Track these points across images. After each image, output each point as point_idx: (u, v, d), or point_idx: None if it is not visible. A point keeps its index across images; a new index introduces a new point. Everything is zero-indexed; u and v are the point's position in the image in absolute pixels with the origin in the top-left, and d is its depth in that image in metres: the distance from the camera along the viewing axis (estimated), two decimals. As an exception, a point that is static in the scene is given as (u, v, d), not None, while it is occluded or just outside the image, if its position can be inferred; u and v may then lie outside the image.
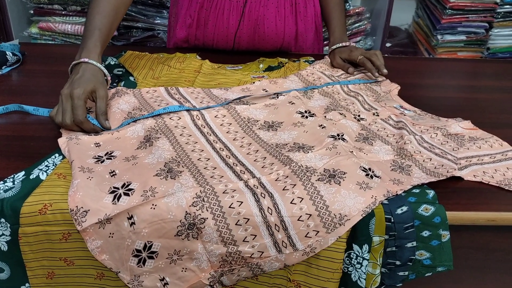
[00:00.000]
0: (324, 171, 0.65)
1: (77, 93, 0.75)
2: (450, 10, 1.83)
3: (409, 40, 2.07)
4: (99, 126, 0.76)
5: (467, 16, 1.86)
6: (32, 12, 1.70)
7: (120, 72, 0.98)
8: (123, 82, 0.93)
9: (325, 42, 1.73)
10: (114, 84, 0.93)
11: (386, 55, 1.90)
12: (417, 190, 0.66)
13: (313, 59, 1.12)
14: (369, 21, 1.88)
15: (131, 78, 0.95)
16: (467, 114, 0.89)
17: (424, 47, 1.99)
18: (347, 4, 1.80)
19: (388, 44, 1.92)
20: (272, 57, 1.12)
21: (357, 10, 1.81)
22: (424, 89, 1.05)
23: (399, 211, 0.62)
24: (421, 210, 0.63)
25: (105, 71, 0.83)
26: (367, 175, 0.66)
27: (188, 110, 0.80)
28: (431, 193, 0.66)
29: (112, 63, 1.01)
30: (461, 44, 1.93)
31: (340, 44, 1.07)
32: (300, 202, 0.61)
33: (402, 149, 0.75)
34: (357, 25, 1.83)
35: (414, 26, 2.13)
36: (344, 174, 0.65)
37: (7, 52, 0.99)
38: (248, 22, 1.09)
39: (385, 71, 1.00)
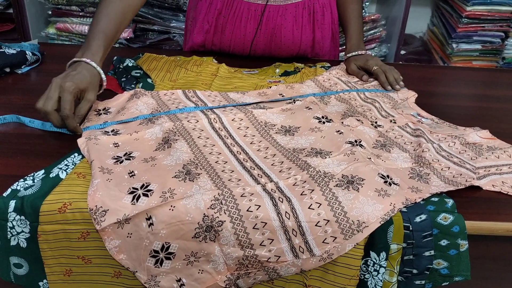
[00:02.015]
0: (342, 177, 0.65)
1: (68, 86, 0.74)
2: (466, 19, 1.82)
3: (423, 48, 2.07)
4: (62, 131, 0.74)
5: (483, 25, 1.85)
6: (50, 12, 1.73)
7: (138, 74, 0.99)
8: (141, 84, 0.94)
9: (340, 48, 1.74)
10: (132, 85, 0.94)
11: (400, 62, 1.90)
12: (436, 199, 0.66)
13: (329, 65, 1.12)
14: (384, 28, 1.88)
15: (149, 80, 0.96)
16: (483, 123, 0.88)
17: (438, 55, 1.98)
18: (363, 11, 1.80)
19: (402, 52, 1.92)
20: (288, 62, 1.12)
21: (372, 17, 1.81)
22: (440, 97, 1.04)
23: (417, 219, 0.62)
24: (440, 219, 0.63)
25: (103, 75, 0.83)
26: (385, 182, 0.66)
27: (205, 114, 0.80)
28: (450, 202, 0.65)
29: (130, 64, 1.02)
30: (476, 53, 1.91)
31: (356, 52, 1.07)
32: (318, 207, 0.61)
33: (420, 157, 0.75)
34: (372, 32, 1.83)
35: (429, 34, 2.12)
36: (362, 180, 0.65)
37: (27, 52, 1.00)
38: (266, 30, 1.10)
39: (397, 87, 0.99)
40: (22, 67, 1.00)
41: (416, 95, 1.00)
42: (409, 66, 1.54)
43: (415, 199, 0.65)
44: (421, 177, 0.70)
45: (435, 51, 2.02)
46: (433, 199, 0.66)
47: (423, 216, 0.62)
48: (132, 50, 1.42)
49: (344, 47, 1.14)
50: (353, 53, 1.08)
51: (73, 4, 1.68)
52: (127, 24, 0.95)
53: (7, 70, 0.97)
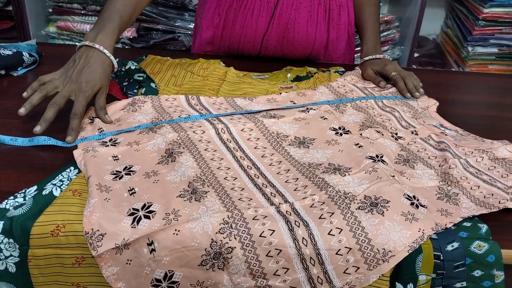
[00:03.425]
0: (364, 198, 0.59)
1: (85, 89, 0.73)
2: (482, 21, 1.75)
3: (437, 51, 2.00)
4: (59, 144, 0.70)
5: (500, 28, 1.78)
6: (50, 10, 1.67)
7: (141, 78, 0.93)
8: (144, 89, 0.88)
9: (355, 49, 1.67)
10: (135, 90, 0.88)
11: (413, 66, 1.84)
12: (468, 224, 0.59)
13: (343, 69, 1.06)
14: (398, 29, 1.81)
15: (152, 85, 0.90)
16: (505, 135, 0.81)
17: (453, 58, 1.92)
18: (377, 12, 1.74)
19: (416, 54, 1.85)
20: (299, 65, 1.06)
21: (385, 18, 1.74)
22: (461, 106, 0.97)
23: (449, 247, 0.56)
24: (474, 247, 0.56)
25: (114, 62, 0.80)
26: (412, 204, 0.60)
27: (212, 123, 0.74)
28: (484, 227, 0.59)
29: (133, 67, 0.96)
30: (492, 57, 1.84)
31: (374, 56, 1.01)
32: (339, 233, 0.55)
33: (446, 174, 0.69)
34: (385, 33, 1.76)
35: (443, 36, 2.05)
36: (387, 202, 0.58)
37: (24, 53, 0.94)
38: (278, 25, 1.03)
39: (417, 94, 0.93)
40: (19, 69, 0.94)
41: (438, 104, 0.93)
42: (422, 71, 1.47)
43: (445, 224, 0.58)
44: (449, 197, 0.64)
45: (449, 54, 1.95)
46: (465, 224, 0.59)
47: (456, 244, 0.56)
48: (135, 51, 1.37)
49: (359, 49, 1.08)
50: (370, 57, 1.01)
51: (75, 2, 1.62)
52: (141, 11, 0.91)
53: (3, 72, 0.92)
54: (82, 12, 1.63)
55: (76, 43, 0.85)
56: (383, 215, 0.57)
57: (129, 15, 0.84)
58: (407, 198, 0.60)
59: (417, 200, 0.61)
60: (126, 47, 1.61)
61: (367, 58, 1.02)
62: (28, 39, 1.60)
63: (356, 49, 1.25)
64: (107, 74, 0.78)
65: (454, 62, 1.92)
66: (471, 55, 1.82)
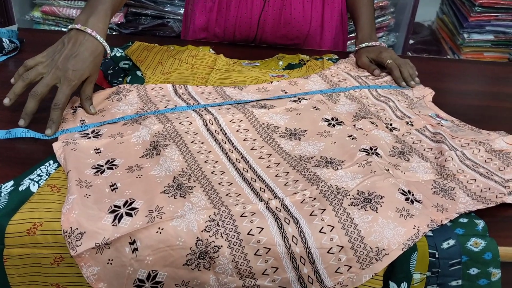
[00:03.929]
0: (358, 194, 0.57)
1: (71, 78, 0.68)
2: (479, 8, 1.72)
3: (432, 38, 1.97)
4: (38, 136, 0.66)
5: (497, 14, 1.74)
6: (35, -6, 1.61)
7: (127, 66, 0.89)
8: (129, 78, 0.84)
9: (349, 37, 1.63)
10: (120, 79, 0.84)
11: (409, 53, 1.81)
12: (465, 220, 0.57)
13: (337, 57, 1.03)
14: (393, 16, 1.77)
15: (138, 73, 0.86)
16: (502, 126, 0.79)
17: (448, 45, 1.89)
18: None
19: (411, 41, 1.82)
20: (292, 53, 1.03)
21: (380, 4, 1.70)
22: (457, 95, 0.95)
23: (445, 245, 0.54)
24: (470, 245, 0.54)
25: (108, 48, 0.74)
26: (407, 199, 0.57)
27: (199, 114, 0.71)
28: (480, 223, 0.57)
29: (118, 54, 0.92)
30: (488, 44, 1.82)
31: (369, 43, 0.98)
32: (331, 231, 0.52)
33: (442, 167, 0.66)
34: (380, 19, 1.72)
35: (438, 23, 2.02)
36: (381, 198, 0.56)
37: (3, 39, 0.90)
38: (274, 2, 1.01)
39: (412, 83, 0.90)
40: (-2, 56, 0.90)
41: (433, 93, 0.91)
42: (417, 59, 1.44)
43: (441, 220, 0.56)
44: (445, 192, 0.62)
45: (444, 41, 1.92)
46: (461, 220, 0.57)
47: (451, 242, 0.54)
48: (121, 38, 1.32)
49: (354, 35, 1.05)
50: (366, 44, 0.98)
51: (61, -15, 1.57)
52: None
53: (-19, 59, 0.88)
54: (68, -4, 1.58)
55: (63, 29, 0.80)
56: (376, 212, 0.54)
57: None
58: (401, 193, 0.58)
59: (412, 195, 0.58)
60: (114, 33, 1.56)
61: (362, 45, 0.99)
62: (12, 23, 1.54)
63: (350, 35, 1.22)
64: (97, 62, 0.73)
65: (450, 49, 1.89)
66: (467, 42, 1.79)
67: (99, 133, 0.67)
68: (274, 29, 1.05)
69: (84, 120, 0.70)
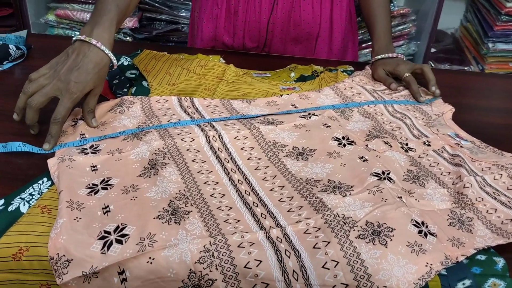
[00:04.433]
0: (366, 225, 0.52)
1: (73, 90, 0.65)
2: (505, 16, 1.65)
3: (455, 46, 1.89)
4: (35, 150, 0.64)
5: (524, 23, 1.67)
6: (50, -3, 1.61)
7: (133, 76, 0.86)
8: (134, 88, 0.82)
9: (364, 45, 1.59)
10: (125, 89, 0.82)
11: (430, 62, 1.74)
12: (483, 257, 0.52)
13: (352, 68, 0.98)
14: (414, 23, 1.71)
15: (144, 83, 0.84)
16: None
17: (472, 54, 1.81)
18: (392, 4, 1.64)
19: (432, 50, 1.75)
20: (305, 63, 0.99)
21: (401, 11, 1.64)
22: (479, 112, 0.89)
23: (460, 285, 0.49)
24: (488, 286, 0.49)
25: (114, 60, 0.71)
26: (420, 232, 0.53)
27: (203, 130, 0.68)
28: (500, 262, 0.52)
29: (126, 63, 0.90)
30: (514, 54, 1.74)
31: (386, 55, 0.93)
32: (335, 267, 0.48)
33: (460, 194, 0.62)
34: (400, 27, 1.67)
35: (462, 31, 1.94)
36: (391, 231, 0.52)
37: (10, 46, 0.89)
38: (283, 5, 0.99)
39: (433, 88, 0.86)
40: (4, 63, 0.89)
41: (453, 110, 0.86)
42: (437, 71, 1.38)
43: (456, 257, 0.51)
44: (463, 223, 0.57)
45: (467, 50, 1.85)
46: (478, 256, 0.52)
47: (467, 282, 0.49)
48: (130, 45, 1.30)
49: (369, 44, 1.01)
50: (382, 56, 0.93)
51: (75, -11, 1.56)
52: (138, 1, 0.83)
53: (-14, 66, 0.86)
54: (82, 0, 1.56)
55: (76, 32, 0.77)
56: (386, 246, 0.50)
57: (126, 3, 0.75)
58: (414, 224, 0.53)
59: (426, 227, 0.54)
60: (128, 37, 1.55)
61: (378, 57, 0.94)
62: (27, 27, 1.54)
63: (364, 45, 1.17)
64: (101, 74, 0.69)
65: (473, 58, 1.82)
66: (492, 52, 1.72)
67: (97, 149, 0.64)
68: (283, 32, 1.02)
69: (84, 134, 0.68)
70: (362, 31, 1.56)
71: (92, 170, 0.60)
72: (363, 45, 1.63)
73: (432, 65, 1.76)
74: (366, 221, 0.53)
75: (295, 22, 1.01)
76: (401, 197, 0.58)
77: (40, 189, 0.56)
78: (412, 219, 0.54)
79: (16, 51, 0.90)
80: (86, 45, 0.69)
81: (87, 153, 0.63)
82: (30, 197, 0.55)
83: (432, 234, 0.53)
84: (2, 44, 0.88)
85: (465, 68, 1.78)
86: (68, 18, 1.56)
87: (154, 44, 1.09)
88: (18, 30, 1.13)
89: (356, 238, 0.51)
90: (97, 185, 0.57)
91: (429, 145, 0.73)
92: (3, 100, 0.79)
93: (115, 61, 0.71)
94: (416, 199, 0.60)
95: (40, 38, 1.11)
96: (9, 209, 0.53)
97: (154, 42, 1.61)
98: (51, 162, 0.60)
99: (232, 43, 1.05)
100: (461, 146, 0.74)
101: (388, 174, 0.62)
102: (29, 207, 0.53)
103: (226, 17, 1.02)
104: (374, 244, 0.50)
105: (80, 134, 0.68)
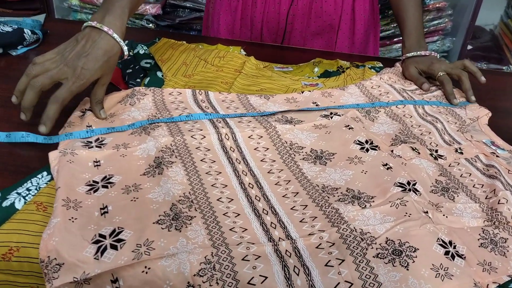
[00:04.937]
0: (386, 243, 0.47)
1: (80, 76, 0.62)
2: (551, 13, 1.53)
3: (493, 44, 1.78)
4: (39, 140, 0.61)
5: None
6: (75, -19, 1.59)
7: (148, 65, 0.83)
8: (148, 79, 0.78)
9: (395, 40, 1.51)
10: (138, 80, 0.78)
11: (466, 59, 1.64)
12: (518, 286, 0.46)
13: (381, 65, 0.92)
14: (451, 18, 1.62)
15: (159, 74, 0.80)
16: None
17: (511, 53, 1.70)
18: (426, -3, 1.55)
19: (469, 47, 1.65)
20: (329, 57, 0.93)
21: (437, 5, 1.55)
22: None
23: (490, 318, 0.43)
24: (523, 320, 0.44)
25: (125, 49, 0.67)
26: (447, 253, 0.47)
27: (216, 127, 0.64)
28: (538, 293, 0.46)
29: (142, 52, 0.86)
30: (558, 54, 1.63)
31: (419, 53, 0.86)
32: (348, 289, 0.43)
33: (494, 211, 0.55)
34: (435, 22, 1.57)
35: (502, 28, 1.83)
36: (414, 251, 0.46)
37: (25, 30, 0.86)
38: None
39: (473, 98, 0.79)
40: (19, 47, 0.86)
41: (490, 114, 0.79)
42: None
43: (487, 285, 0.46)
44: (496, 244, 0.51)
45: (507, 48, 1.74)
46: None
47: (499, 315, 0.43)
48: (150, 32, 1.27)
49: (399, 40, 0.95)
50: (415, 53, 0.87)
51: (100, -27, 1.53)
52: None
53: (0, 51, 0.84)
54: (106, -15, 1.54)
55: None
56: (407, 269, 0.45)
57: None
58: (441, 244, 0.48)
59: (454, 247, 0.48)
60: (150, 24, 1.52)
61: (409, 54, 0.87)
62: (50, 11, 1.53)
63: (395, 39, 1.10)
64: (111, 63, 0.66)
65: (513, 57, 1.71)
66: (534, 51, 1.61)
67: (103, 142, 0.61)
68: (303, 25, 0.98)
69: (91, 126, 0.65)
70: (394, 25, 1.48)
71: (95, 166, 0.56)
72: (395, 39, 1.56)
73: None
74: (387, 238, 0.48)
75: (316, 14, 0.96)
76: (427, 212, 0.52)
77: (38, 184, 0.53)
78: (438, 238, 0.48)
79: (32, 35, 0.88)
80: (96, 31, 0.65)
81: (92, 147, 0.59)
82: (27, 192, 0.52)
83: (460, 256, 0.48)
84: (17, 28, 0.86)
85: (504, 68, 1.67)
86: (91, 3, 1.54)
87: (175, 33, 1.05)
88: (42, 14, 1.11)
89: (374, 257, 0.45)
90: (97, 183, 0.54)
91: (461, 153, 0.66)
92: (13, 86, 0.76)
93: (126, 51, 0.67)
94: (444, 215, 0.54)
95: (58, 23, 1.08)
96: (4, 204, 0.50)
97: (177, 30, 1.57)
98: (52, 156, 0.57)
99: (250, 36, 1.00)
100: (497, 156, 0.67)
101: (414, 184, 0.56)
102: (25, 203, 0.50)
103: (243, 9, 0.97)
104: (394, 266, 0.45)
105: (87, 126, 0.65)
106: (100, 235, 0.46)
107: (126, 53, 0.68)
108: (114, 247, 0.45)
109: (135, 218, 0.49)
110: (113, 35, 0.65)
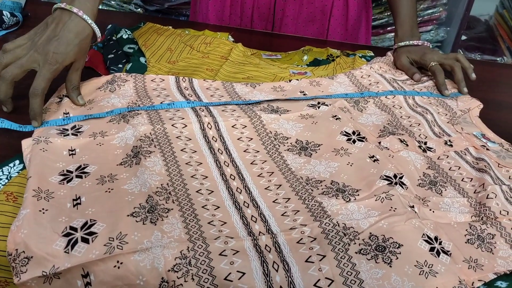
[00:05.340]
0: (369, 238, 0.45)
1: (52, 61, 0.59)
2: (546, 4, 1.51)
3: (488, 34, 1.76)
4: (14, 127, 0.58)
5: None
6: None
7: (131, 50, 0.80)
8: (130, 65, 0.75)
9: (388, 29, 1.49)
10: (120, 65, 0.75)
11: (460, 50, 1.63)
12: (503, 284, 0.45)
13: (372, 53, 0.90)
14: (445, 8, 1.59)
15: (142, 60, 0.77)
16: None
17: (506, 44, 1.69)
18: (421, -14, 1.53)
19: (463, 37, 1.63)
20: (320, 45, 0.91)
21: (432, -6, 1.53)
22: (507, 110, 0.80)
23: (474, 318, 0.42)
24: (509, 320, 0.42)
25: (97, 32, 0.64)
26: (432, 249, 0.46)
27: (198, 115, 0.61)
28: (525, 291, 0.44)
29: (125, 36, 0.83)
30: (552, 46, 1.61)
31: (411, 42, 0.84)
32: (329, 286, 0.42)
33: (482, 206, 0.54)
34: (430, 11, 1.55)
35: (497, 18, 1.81)
36: (398, 247, 0.45)
37: (4, 12, 0.83)
38: None
39: (465, 89, 0.77)
40: (-3, 30, 0.83)
41: (482, 106, 0.77)
42: (472, 62, 1.27)
43: (472, 283, 0.44)
44: (483, 241, 0.50)
45: (502, 39, 1.72)
46: (498, 283, 0.45)
47: (484, 314, 0.42)
48: (135, 17, 1.23)
49: (392, 28, 0.92)
50: (407, 42, 0.84)
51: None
52: None
53: (-23, 33, 0.81)
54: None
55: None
56: (390, 266, 0.43)
57: None
58: (426, 240, 0.46)
59: (440, 243, 0.47)
60: (138, 9, 1.48)
61: (402, 43, 0.85)
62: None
63: (388, 28, 1.08)
64: (83, 46, 0.63)
65: (507, 48, 1.69)
66: (528, 42, 1.60)
67: (79, 130, 0.58)
68: (295, 12, 0.95)
69: (68, 113, 0.62)
70: (388, 13, 1.46)
71: (70, 155, 0.54)
72: (388, 28, 1.53)
73: (461, 53, 1.64)
74: (370, 233, 0.46)
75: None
76: (413, 207, 0.51)
77: (10, 172, 0.51)
78: (423, 234, 0.47)
79: (11, 18, 0.84)
80: (66, 13, 0.62)
81: (67, 135, 0.57)
82: (-3, 182, 0.49)
83: (446, 252, 0.46)
84: (-4, 10, 0.82)
85: (498, 59, 1.66)
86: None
87: (162, 18, 1.01)
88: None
89: (356, 253, 0.44)
90: (71, 172, 0.51)
91: (451, 146, 0.65)
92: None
93: (98, 33, 0.64)
94: (430, 209, 0.52)
95: (40, 5, 1.05)
96: (-28, 194, 0.48)
97: (166, 15, 1.54)
98: (25, 144, 0.54)
99: (239, 23, 0.98)
100: (487, 149, 0.65)
101: (401, 178, 0.54)
102: (-6, 193, 0.48)
103: None
104: (376, 262, 0.43)
105: (64, 113, 0.62)
106: (71, 228, 0.44)
107: (98, 35, 0.65)
108: (85, 240, 0.43)
109: (108, 211, 0.47)
110: (83, 16, 0.62)
